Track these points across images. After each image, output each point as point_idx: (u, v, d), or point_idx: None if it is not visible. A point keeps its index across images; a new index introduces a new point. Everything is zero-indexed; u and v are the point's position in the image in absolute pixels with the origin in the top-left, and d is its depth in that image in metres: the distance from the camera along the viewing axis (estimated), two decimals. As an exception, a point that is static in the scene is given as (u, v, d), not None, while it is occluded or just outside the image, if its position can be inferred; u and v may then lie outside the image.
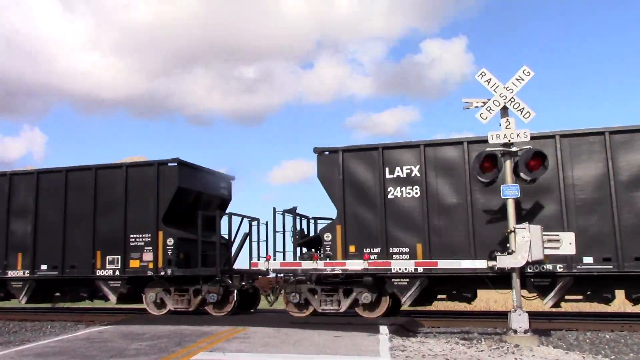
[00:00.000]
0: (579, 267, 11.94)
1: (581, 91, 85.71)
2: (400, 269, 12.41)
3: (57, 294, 16.87)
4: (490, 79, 11.20)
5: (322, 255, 13.72)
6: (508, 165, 10.98)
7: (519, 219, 11.11)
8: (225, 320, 12.99)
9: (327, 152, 14.08)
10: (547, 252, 10.56)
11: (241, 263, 15.69)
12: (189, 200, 15.81)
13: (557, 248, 10.55)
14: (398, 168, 13.45)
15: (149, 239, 14.95)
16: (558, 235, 10.67)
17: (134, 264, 15.01)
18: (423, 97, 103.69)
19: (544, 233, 10.47)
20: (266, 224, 15.71)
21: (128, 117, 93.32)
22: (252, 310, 16.18)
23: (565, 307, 15.14)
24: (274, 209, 14.54)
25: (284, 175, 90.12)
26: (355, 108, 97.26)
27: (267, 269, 12.83)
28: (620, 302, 24.50)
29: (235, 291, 14.86)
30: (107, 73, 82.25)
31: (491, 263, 10.63)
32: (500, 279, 11.87)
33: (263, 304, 16.40)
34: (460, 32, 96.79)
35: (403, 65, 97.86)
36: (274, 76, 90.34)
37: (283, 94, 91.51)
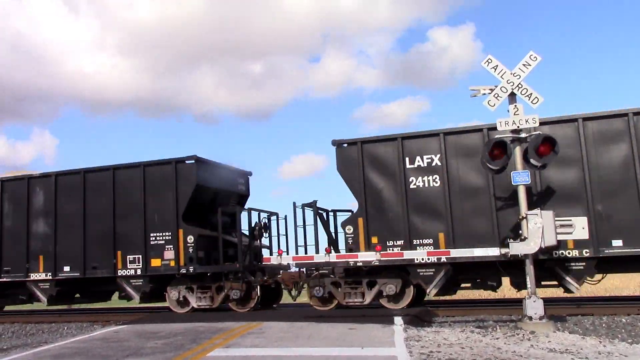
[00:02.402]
0: (607, 250, 11.89)
1: (591, 75, 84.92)
2: (419, 259, 12.33)
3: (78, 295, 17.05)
4: (496, 66, 11.09)
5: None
6: (518, 152, 10.88)
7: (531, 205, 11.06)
8: (240, 316, 13.05)
9: (345, 144, 13.98)
10: (560, 237, 10.48)
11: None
12: (208, 197, 15.79)
13: (570, 233, 10.48)
14: (419, 157, 13.36)
15: (170, 237, 14.99)
16: (570, 220, 10.59)
17: (156, 262, 15.05)
18: (432, 86, 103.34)
19: (557, 218, 10.40)
20: (285, 218, 15.70)
21: (136, 117, 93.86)
22: (274, 306, 16.17)
23: (581, 292, 15.03)
24: (294, 203, 14.56)
25: (294, 169, 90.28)
26: (364, 100, 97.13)
27: (279, 263, 12.82)
28: (636, 286, 24.41)
29: (258, 287, 14.84)
30: (113, 74, 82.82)
31: (504, 250, 10.59)
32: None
33: (286, 298, 16.34)
34: (467, 19, 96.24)
35: (411, 55, 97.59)
36: (280, 71, 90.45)
37: (290, 88, 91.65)
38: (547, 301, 11.44)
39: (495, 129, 12.18)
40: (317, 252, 14.09)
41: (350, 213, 14.31)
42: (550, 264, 12.23)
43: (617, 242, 11.86)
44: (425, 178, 13.24)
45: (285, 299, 16.44)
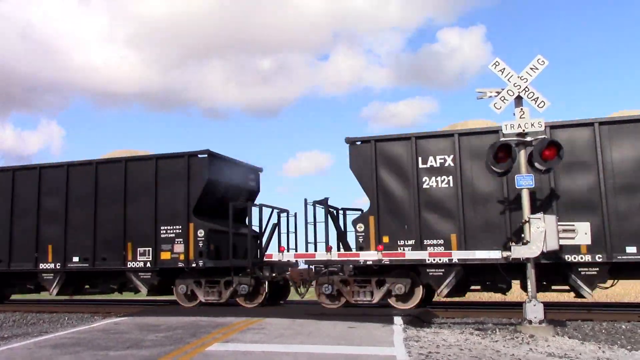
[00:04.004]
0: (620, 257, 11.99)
1: (600, 80, 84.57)
2: (433, 260, 12.27)
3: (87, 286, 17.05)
4: (504, 69, 11.09)
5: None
6: (522, 155, 10.88)
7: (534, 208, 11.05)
8: (240, 312, 13.08)
9: (359, 142, 14.00)
10: (562, 242, 10.47)
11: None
12: (219, 192, 15.79)
13: (573, 238, 10.47)
14: (431, 157, 13.38)
15: (180, 231, 15.01)
16: (573, 225, 10.58)
17: (165, 255, 15.06)
18: (441, 87, 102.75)
19: (559, 223, 10.40)
20: (295, 216, 15.75)
21: (144, 110, 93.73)
22: (281, 302, 16.13)
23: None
24: (305, 200, 14.69)
25: (299, 167, 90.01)
26: (372, 99, 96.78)
27: (280, 260, 12.85)
28: (637, 292, 24.38)
29: (266, 283, 14.84)
30: (122, 66, 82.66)
31: (506, 253, 10.58)
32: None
33: (295, 295, 16.26)
34: (478, 21, 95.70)
35: (420, 55, 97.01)
36: (289, 68, 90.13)
37: (299, 85, 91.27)
38: (549, 305, 11.44)
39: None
40: (326, 250, 13.79)
41: (360, 212, 14.31)
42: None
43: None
44: (438, 178, 13.27)
45: (294, 296, 16.34)
